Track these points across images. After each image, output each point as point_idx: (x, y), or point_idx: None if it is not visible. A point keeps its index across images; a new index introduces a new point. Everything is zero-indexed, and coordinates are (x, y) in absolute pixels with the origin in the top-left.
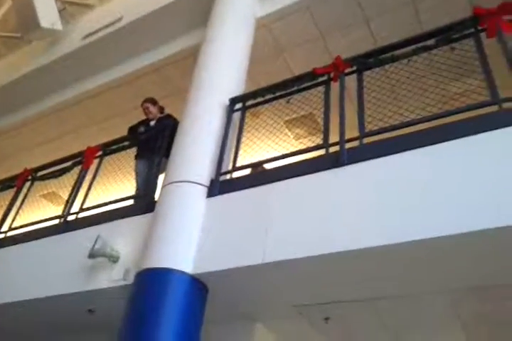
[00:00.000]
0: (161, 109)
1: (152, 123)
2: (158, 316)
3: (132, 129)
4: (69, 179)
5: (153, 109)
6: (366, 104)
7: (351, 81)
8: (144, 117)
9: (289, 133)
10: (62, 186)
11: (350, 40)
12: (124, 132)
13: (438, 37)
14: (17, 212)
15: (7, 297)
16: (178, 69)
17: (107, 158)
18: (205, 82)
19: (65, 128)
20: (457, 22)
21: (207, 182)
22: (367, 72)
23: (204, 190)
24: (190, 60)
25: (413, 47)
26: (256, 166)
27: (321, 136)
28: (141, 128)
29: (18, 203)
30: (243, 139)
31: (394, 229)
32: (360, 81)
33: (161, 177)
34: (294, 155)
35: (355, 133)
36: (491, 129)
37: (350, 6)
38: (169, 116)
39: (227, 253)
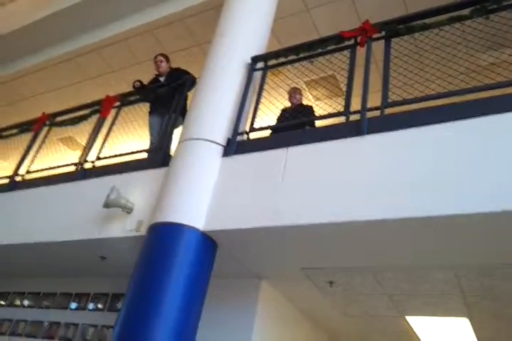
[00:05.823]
0: (170, 68)
1: (162, 79)
2: (168, 268)
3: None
4: (85, 126)
5: (164, 65)
6: (391, 73)
7: (376, 47)
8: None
9: (309, 94)
10: (79, 132)
11: (380, 1)
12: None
13: (474, 7)
14: (34, 156)
15: (20, 238)
16: (200, 21)
17: (124, 109)
18: (227, 38)
19: (83, 75)
20: None
21: (223, 142)
22: (395, 40)
23: (220, 149)
24: (212, 13)
25: (445, 16)
26: (272, 128)
27: (342, 100)
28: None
29: (35, 147)
30: (262, 99)
31: (403, 203)
32: (387, 48)
33: (176, 132)
34: (313, 120)
35: (377, 98)
36: None
37: None
38: (180, 69)
39: (238, 213)
